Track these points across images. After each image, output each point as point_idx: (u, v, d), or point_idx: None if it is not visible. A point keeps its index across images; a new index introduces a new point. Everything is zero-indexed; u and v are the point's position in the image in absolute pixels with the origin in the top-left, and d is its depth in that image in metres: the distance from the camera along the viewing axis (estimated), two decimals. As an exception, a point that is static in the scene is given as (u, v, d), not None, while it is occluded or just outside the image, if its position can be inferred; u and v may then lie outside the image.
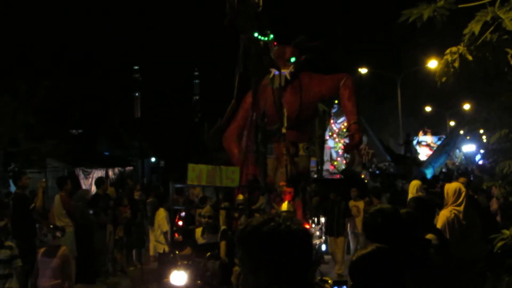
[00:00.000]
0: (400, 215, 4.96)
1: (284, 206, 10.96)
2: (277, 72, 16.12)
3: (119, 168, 31.62)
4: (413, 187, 13.47)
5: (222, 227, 10.89)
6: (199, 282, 8.13)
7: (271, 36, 15.95)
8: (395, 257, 3.04)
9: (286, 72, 16.17)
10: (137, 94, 70.45)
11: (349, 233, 17.98)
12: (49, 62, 26.38)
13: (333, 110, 25.83)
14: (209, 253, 9.21)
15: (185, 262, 8.74)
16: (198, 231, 10.86)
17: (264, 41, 13.36)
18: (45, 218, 14.39)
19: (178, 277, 7.98)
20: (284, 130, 14.87)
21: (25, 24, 29.53)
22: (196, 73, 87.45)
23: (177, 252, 10.02)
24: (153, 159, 47.86)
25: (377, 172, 28.15)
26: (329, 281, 8.01)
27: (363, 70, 38.09)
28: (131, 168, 31.96)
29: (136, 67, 69.59)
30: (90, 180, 26.89)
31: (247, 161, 13.14)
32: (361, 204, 15.22)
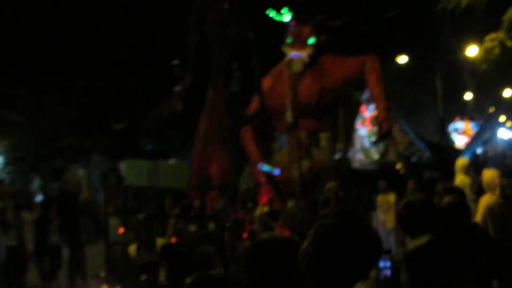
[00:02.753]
0: (432, 206, 4.84)
1: (259, 210, 9.55)
2: (294, 55, 14.97)
3: (172, 162, 31.64)
4: (461, 166, 12.91)
5: (161, 242, 8.81)
6: None
7: (290, 14, 15.31)
8: (449, 248, 3.03)
9: (304, 54, 15.01)
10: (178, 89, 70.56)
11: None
12: (93, 60, 26.43)
13: (365, 96, 24.37)
14: (143, 276, 7.69)
15: None
16: (133, 247, 8.84)
17: (227, 6, 11.70)
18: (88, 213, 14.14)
19: None
20: (290, 119, 13.77)
21: (68, 23, 29.55)
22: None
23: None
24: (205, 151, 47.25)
25: (414, 160, 27.56)
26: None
27: (402, 59, 37.16)
28: (173, 160, 31.95)
29: (176, 62, 68.71)
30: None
31: (212, 154, 11.54)
32: (391, 197, 13.06)
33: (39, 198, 18.41)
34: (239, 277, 6.80)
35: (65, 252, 14.29)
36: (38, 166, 21.27)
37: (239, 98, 14.05)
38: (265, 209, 9.06)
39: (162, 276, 7.50)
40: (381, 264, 5.68)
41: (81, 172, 23.83)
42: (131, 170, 9.80)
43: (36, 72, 26.82)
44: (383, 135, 15.16)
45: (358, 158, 27.43)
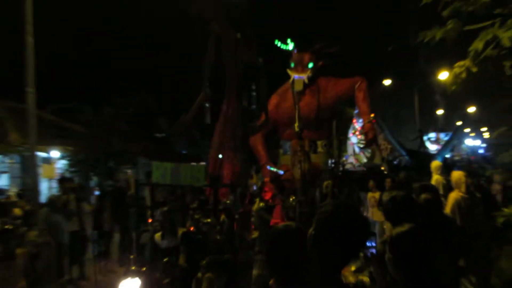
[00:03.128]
0: (411, 199, 4.85)
1: (256, 205, 9.20)
2: (296, 77, 14.65)
3: (193, 163, 31.74)
4: (436, 167, 12.92)
5: (181, 230, 8.74)
6: None
7: (292, 44, 15.22)
8: (425, 234, 3.02)
9: (304, 76, 14.58)
10: (207, 104, 70.27)
11: None
12: (140, 79, 26.52)
13: (356, 111, 24.36)
14: (166, 259, 7.52)
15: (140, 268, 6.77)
16: (158, 235, 8.82)
17: (242, 31, 11.39)
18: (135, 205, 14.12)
19: (130, 285, 6.08)
20: (297, 129, 13.07)
21: (122, 52, 29.59)
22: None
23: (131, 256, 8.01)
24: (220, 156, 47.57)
25: (395, 163, 27.53)
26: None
27: (387, 82, 37.59)
28: (203, 163, 32.00)
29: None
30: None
31: (224, 158, 11.10)
32: (377, 195, 13.08)
33: (96, 193, 18.42)
34: (246, 261, 6.73)
35: (116, 237, 14.39)
36: (96, 167, 21.29)
37: (249, 113, 14.07)
38: (262, 204, 8.83)
39: (181, 259, 7.39)
40: (368, 243, 5.68)
41: (129, 172, 24.03)
42: (158, 171, 9.64)
43: (95, 91, 27.05)
44: (368, 142, 14.96)
45: (350, 161, 27.59)
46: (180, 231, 8.69)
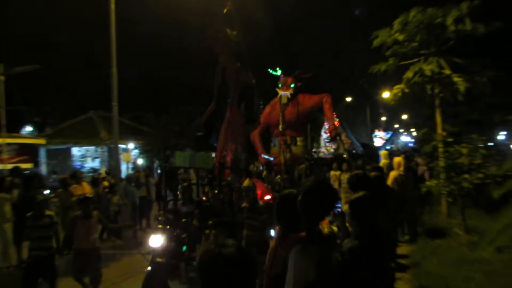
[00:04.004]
0: (366, 176, 4.87)
1: (246, 182, 8.45)
2: (282, 93, 14.70)
3: (204, 152, 31.11)
4: (384, 154, 12.90)
5: (196, 199, 8.27)
6: (172, 243, 5.97)
7: (280, 71, 15.44)
8: (374, 198, 3.04)
9: (287, 93, 14.67)
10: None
11: None
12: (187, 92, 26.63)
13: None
14: (184, 219, 6.95)
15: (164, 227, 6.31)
16: (179, 202, 8.26)
17: (240, 61, 11.12)
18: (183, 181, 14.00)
19: (155, 240, 5.82)
20: (281, 129, 13.34)
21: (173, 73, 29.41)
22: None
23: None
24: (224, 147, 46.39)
25: (354, 152, 27.53)
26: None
27: (348, 99, 37.69)
28: (212, 152, 31.47)
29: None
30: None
31: (228, 149, 10.73)
32: (338, 173, 12.36)
33: (158, 171, 18.34)
34: (241, 223, 6.61)
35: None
36: (157, 154, 21.27)
37: (246, 117, 13.66)
38: (246, 182, 8.73)
39: (195, 220, 7.02)
40: (336, 205, 5.68)
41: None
42: (179, 157, 9.46)
43: (157, 102, 27.07)
44: (332, 138, 15.11)
45: (322, 151, 27.65)
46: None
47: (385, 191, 5.59)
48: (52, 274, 5.81)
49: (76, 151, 24.53)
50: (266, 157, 14.32)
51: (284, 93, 14.86)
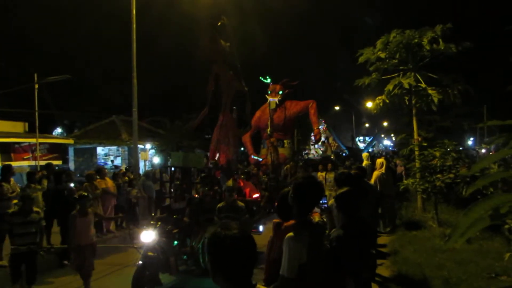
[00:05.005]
0: (351, 174, 4.85)
1: (229, 182, 7.87)
2: (271, 99, 14.63)
3: (197, 152, 29.46)
4: (365, 156, 12.56)
5: (188, 196, 7.45)
6: (163, 239, 5.54)
7: (270, 79, 15.22)
8: (356, 192, 3.04)
9: (276, 99, 14.63)
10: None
11: None
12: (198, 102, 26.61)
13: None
14: (175, 216, 6.33)
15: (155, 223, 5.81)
16: (172, 199, 7.59)
17: (233, 70, 10.53)
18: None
19: (147, 235, 5.41)
20: (268, 132, 12.81)
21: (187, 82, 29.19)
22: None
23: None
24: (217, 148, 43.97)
25: (341, 153, 27.32)
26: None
27: (337, 108, 37.58)
28: (204, 152, 30.35)
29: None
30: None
31: (220, 150, 10.06)
32: (324, 174, 11.64)
33: (172, 169, 18.28)
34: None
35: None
36: (171, 154, 21.15)
37: (239, 121, 13.28)
38: (230, 183, 8.14)
39: (186, 217, 6.39)
40: (322, 200, 5.62)
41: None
42: (174, 157, 8.99)
43: (172, 108, 26.97)
44: (316, 141, 15.14)
45: (312, 152, 27.21)
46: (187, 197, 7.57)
47: (366, 188, 5.57)
48: (34, 269, 5.34)
49: (100, 150, 24.47)
50: (256, 157, 14.16)
51: (272, 99, 14.70)
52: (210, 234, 1.56)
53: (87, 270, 5.55)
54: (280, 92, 14.73)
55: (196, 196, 7.51)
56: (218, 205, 5.93)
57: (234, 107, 12.17)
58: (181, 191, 7.49)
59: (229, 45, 10.12)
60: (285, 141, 14.87)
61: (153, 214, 6.53)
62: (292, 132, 16.26)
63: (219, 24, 10.16)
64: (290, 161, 12.86)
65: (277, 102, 14.67)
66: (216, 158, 10.19)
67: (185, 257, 6.27)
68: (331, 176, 10.90)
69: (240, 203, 5.88)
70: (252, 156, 14.50)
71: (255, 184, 10.25)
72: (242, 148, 16.74)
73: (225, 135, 10.10)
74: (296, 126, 17.05)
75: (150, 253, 5.28)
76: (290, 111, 15.01)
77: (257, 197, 8.13)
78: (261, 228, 7.38)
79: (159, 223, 5.79)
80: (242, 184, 8.67)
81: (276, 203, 3.04)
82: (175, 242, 5.96)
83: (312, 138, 26.60)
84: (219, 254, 1.50)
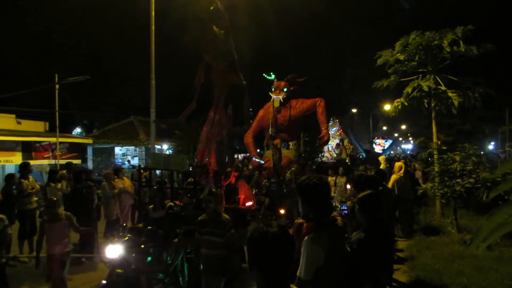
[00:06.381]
0: (370, 176, 4.77)
1: (206, 192, 5.08)
2: (275, 97, 13.63)
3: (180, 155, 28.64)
4: (383, 159, 12.32)
5: (169, 204, 6.25)
6: (133, 254, 4.66)
7: (274, 75, 14.23)
8: (378, 195, 3.02)
9: (280, 97, 13.63)
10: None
11: None
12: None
13: (329, 123, 22.13)
14: (149, 227, 5.22)
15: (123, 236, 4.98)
16: (151, 206, 6.36)
17: (228, 61, 9.03)
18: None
19: (113, 249, 4.61)
20: (270, 132, 12.02)
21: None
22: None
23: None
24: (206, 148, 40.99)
25: (357, 156, 26.80)
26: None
27: (354, 110, 37.45)
28: (186, 155, 28.98)
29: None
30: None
31: (211, 151, 8.71)
32: (334, 178, 10.38)
33: (190, 168, 18.33)
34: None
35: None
36: (188, 154, 21.20)
37: (235, 120, 11.31)
38: (206, 192, 6.15)
39: (163, 227, 5.38)
40: (342, 206, 5.52)
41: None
42: (154, 159, 8.08)
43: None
44: (323, 143, 13.93)
45: (326, 155, 26.34)
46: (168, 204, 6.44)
47: (385, 191, 5.50)
48: (4, 282, 4.85)
49: (118, 150, 24.85)
50: (258, 160, 13.33)
51: (276, 97, 13.87)
52: (252, 229, 1.65)
53: (55, 283, 4.97)
54: (285, 90, 13.85)
55: (179, 203, 6.57)
56: (199, 218, 4.79)
57: (229, 104, 10.81)
58: (161, 197, 6.36)
59: (224, 33, 8.82)
60: (290, 142, 13.95)
61: (124, 224, 5.75)
62: (298, 133, 15.31)
63: (211, 8, 8.91)
64: (294, 164, 12.16)
65: (282, 100, 13.79)
66: (206, 160, 8.87)
67: (161, 275, 5.37)
68: (342, 180, 10.08)
69: (225, 216, 4.74)
70: (254, 159, 13.65)
71: (258, 188, 9.86)
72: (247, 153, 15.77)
73: (217, 134, 8.96)
74: (303, 126, 15.85)
75: (118, 270, 4.60)
76: (296, 110, 14.08)
77: (250, 205, 7.12)
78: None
79: (129, 235, 4.98)
80: (239, 187, 7.34)
81: (280, 210, 2.99)
82: (149, 258, 4.88)
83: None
84: (258, 249, 1.58)
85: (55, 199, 5.35)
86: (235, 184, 7.48)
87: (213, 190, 4.85)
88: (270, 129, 12.24)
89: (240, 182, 7.50)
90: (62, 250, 5.00)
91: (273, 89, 13.96)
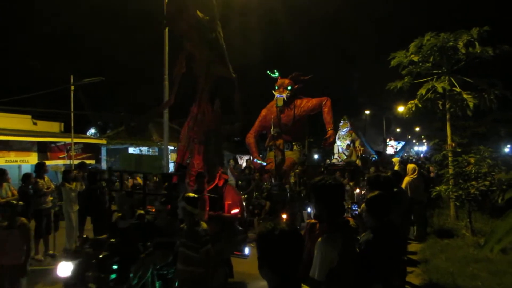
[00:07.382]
0: (386, 177, 4.74)
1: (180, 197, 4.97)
2: (279, 95, 13.26)
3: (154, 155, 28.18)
4: (396, 161, 12.28)
5: (139, 212, 5.12)
6: (91, 272, 3.92)
7: (278, 73, 13.89)
8: (387, 197, 3.00)
9: (283, 95, 13.26)
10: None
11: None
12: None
13: (340, 124, 21.82)
14: (112, 240, 4.34)
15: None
16: (118, 216, 5.35)
17: (215, 50, 7.70)
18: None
19: (64, 268, 4.02)
20: (273, 132, 11.71)
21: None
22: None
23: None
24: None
25: (372, 158, 26.42)
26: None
27: (368, 112, 37.34)
28: (160, 156, 28.06)
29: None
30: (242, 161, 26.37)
31: (194, 151, 7.55)
32: (342, 181, 10.11)
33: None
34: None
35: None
36: (120, 155, 20.64)
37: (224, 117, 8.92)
38: (190, 194, 5.25)
39: (135, 236, 4.52)
40: (353, 207, 5.50)
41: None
42: (124, 160, 6.82)
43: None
44: (328, 144, 13.64)
45: (335, 157, 26.07)
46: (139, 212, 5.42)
47: (398, 193, 5.46)
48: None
49: (131, 150, 25.08)
50: (259, 162, 13.03)
51: (280, 95, 13.47)
52: (261, 228, 1.65)
53: None
54: (289, 88, 13.45)
55: (153, 210, 5.77)
56: (182, 225, 4.25)
57: (216, 99, 9.15)
58: (130, 204, 5.35)
59: (209, 19, 7.69)
60: (294, 143, 13.67)
61: (85, 236, 5.09)
62: (302, 134, 14.70)
63: None
64: (298, 166, 11.68)
65: (285, 98, 13.40)
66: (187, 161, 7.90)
67: None
68: (350, 183, 10.18)
69: (204, 225, 4.13)
70: (256, 160, 13.27)
71: (258, 191, 9.68)
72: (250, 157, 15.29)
73: (201, 132, 7.85)
74: (308, 127, 15.29)
75: None
76: (301, 109, 13.68)
77: (236, 213, 6.36)
78: (247, 250, 5.86)
79: (88, 249, 4.36)
80: (225, 192, 6.58)
81: (282, 214, 2.95)
82: (113, 276, 4.03)
83: (338, 141, 25.30)
84: (268, 246, 1.58)
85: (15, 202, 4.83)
86: (222, 188, 6.65)
87: (190, 195, 4.22)
88: (272, 129, 11.96)
89: (227, 186, 6.77)
90: (14, 261, 4.46)
91: (276, 87, 13.65)
